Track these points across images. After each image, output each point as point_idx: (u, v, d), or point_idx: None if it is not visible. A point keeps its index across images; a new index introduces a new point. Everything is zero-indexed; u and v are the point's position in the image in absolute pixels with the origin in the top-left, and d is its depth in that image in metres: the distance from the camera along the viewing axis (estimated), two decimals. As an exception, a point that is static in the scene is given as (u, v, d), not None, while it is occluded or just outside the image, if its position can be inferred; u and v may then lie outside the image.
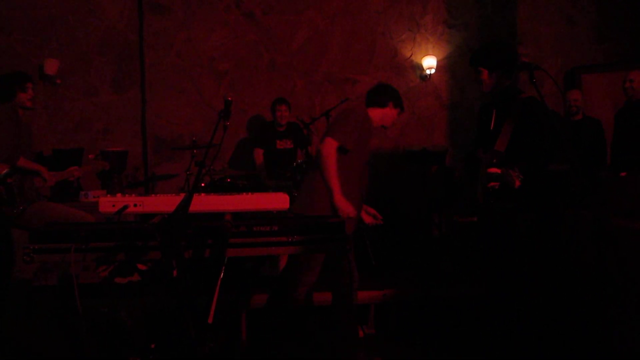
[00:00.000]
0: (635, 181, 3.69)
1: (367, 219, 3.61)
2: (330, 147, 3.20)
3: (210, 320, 2.26)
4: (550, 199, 4.66)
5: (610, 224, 3.43)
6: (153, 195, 2.38)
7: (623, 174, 4.03)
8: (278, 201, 2.44)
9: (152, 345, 3.24)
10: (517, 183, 2.95)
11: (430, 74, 6.53)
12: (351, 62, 6.55)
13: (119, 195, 2.35)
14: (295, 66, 6.46)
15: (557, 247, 4.09)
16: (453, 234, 5.57)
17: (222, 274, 2.31)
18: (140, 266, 3.84)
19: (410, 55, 6.62)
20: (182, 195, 2.26)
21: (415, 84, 6.63)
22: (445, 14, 6.64)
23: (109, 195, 2.33)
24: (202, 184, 4.69)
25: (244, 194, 2.48)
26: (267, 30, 6.39)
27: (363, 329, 4.08)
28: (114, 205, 2.28)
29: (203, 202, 2.35)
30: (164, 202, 2.30)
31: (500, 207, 3.12)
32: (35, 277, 4.09)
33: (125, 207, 2.26)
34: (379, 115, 3.49)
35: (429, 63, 6.47)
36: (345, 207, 3.14)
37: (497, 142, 3.13)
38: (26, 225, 3.72)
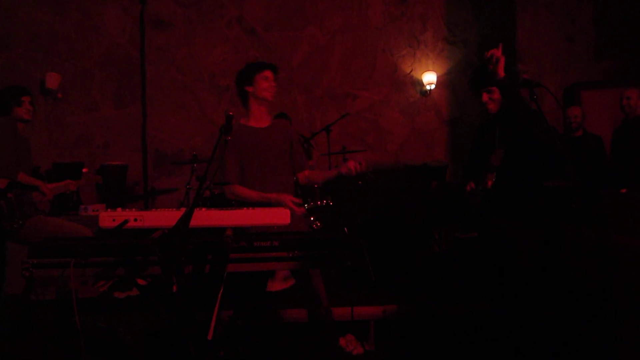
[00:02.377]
0: (636, 198, 3.68)
1: (350, 165, 3.19)
2: (235, 191, 3.21)
3: (209, 337, 2.24)
4: (551, 216, 4.65)
5: (611, 242, 3.42)
6: (153, 209, 2.38)
7: (623, 190, 4.03)
8: (278, 216, 2.43)
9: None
10: (489, 183, 2.98)
11: (430, 89, 6.55)
12: (351, 77, 6.58)
13: (119, 209, 2.34)
14: (295, 82, 6.49)
15: (558, 265, 4.06)
16: (453, 250, 5.55)
17: (222, 290, 2.29)
18: (140, 281, 3.82)
19: (411, 71, 6.65)
20: (183, 209, 2.25)
21: (415, 99, 6.65)
22: (445, 30, 6.68)
23: (109, 210, 2.32)
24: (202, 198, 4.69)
25: (245, 208, 2.47)
26: (268, 46, 6.43)
27: (363, 346, 4.04)
28: (114, 220, 2.27)
29: (203, 217, 2.34)
30: (164, 217, 2.30)
31: (498, 223, 3.10)
32: (25, 291, 4.07)
33: (126, 221, 2.26)
34: (251, 97, 3.33)
35: (429, 79, 6.50)
36: (281, 197, 3.12)
37: (491, 157, 3.17)
38: (24, 239, 3.71)
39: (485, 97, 3.25)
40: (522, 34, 6.69)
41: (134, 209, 2.36)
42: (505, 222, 3.10)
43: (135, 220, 2.28)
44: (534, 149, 3.09)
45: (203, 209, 2.43)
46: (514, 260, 3.11)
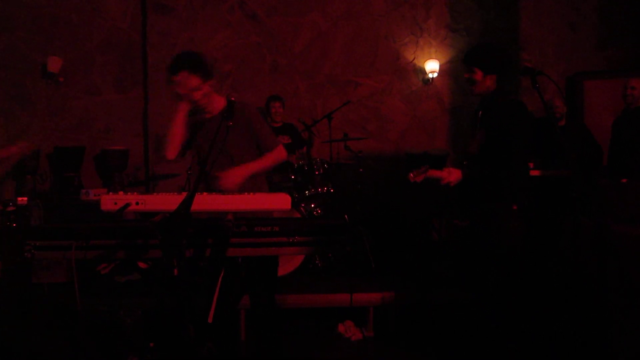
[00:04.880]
0: (635, 187, 3.69)
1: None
2: None
3: (210, 320, 2.26)
4: (550, 205, 4.66)
5: (610, 231, 3.43)
6: (155, 193, 2.38)
7: (624, 180, 4.03)
8: (279, 201, 2.44)
9: (151, 345, 3.25)
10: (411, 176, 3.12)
11: (433, 77, 6.53)
12: (354, 64, 6.55)
13: (120, 193, 2.35)
14: (297, 68, 6.47)
15: (557, 254, 4.08)
16: (452, 238, 5.57)
17: (222, 273, 2.31)
18: (141, 264, 3.84)
19: (413, 59, 6.63)
20: (184, 194, 2.26)
21: (417, 87, 6.63)
22: (448, 18, 6.64)
23: (110, 193, 2.34)
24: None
25: (246, 193, 2.48)
26: (270, 32, 6.40)
27: (362, 332, 4.07)
28: (115, 203, 2.28)
29: (204, 202, 2.35)
30: (165, 201, 2.31)
31: (491, 210, 3.05)
32: (26, 274, 4.07)
33: (127, 205, 2.27)
34: None
35: (432, 67, 6.47)
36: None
37: (472, 145, 3.15)
38: None
39: (465, 75, 3.21)
40: (525, 21, 6.65)
41: (135, 193, 2.37)
42: (494, 207, 3.04)
43: (137, 203, 2.29)
44: (509, 135, 3.00)
45: (204, 193, 2.44)
46: (511, 249, 3.08)
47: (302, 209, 4.71)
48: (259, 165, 3.02)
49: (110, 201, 2.29)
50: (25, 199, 4.08)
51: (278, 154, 3.12)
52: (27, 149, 4.07)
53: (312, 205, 4.96)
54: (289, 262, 4.51)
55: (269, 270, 3.06)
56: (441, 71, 6.54)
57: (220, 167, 2.93)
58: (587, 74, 6.52)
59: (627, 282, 3.25)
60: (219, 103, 3.12)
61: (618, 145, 5.07)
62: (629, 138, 4.93)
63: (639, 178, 4.34)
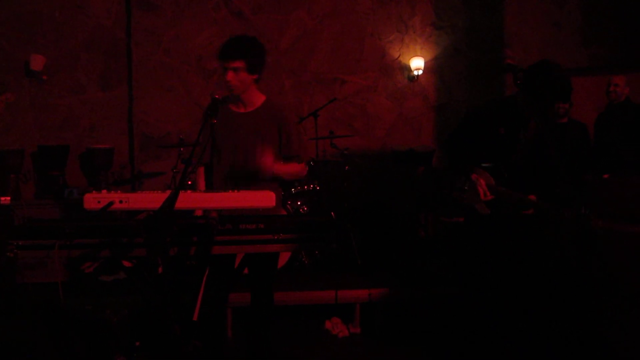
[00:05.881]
0: (617, 183, 3.73)
1: None
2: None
3: (195, 318, 2.26)
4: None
5: (590, 225, 3.47)
6: (139, 191, 2.38)
7: (605, 176, 4.08)
8: (264, 199, 2.45)
9: (137, 343, 3.24)
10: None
11: (418, 75, 6.56)
12: (339, 62, 6.56)
13: (104, 191, 2.34)
14: (283, 66, 6.46)
15: (542, 247, 4.11)
16: (439, 234, 5.60)
17: (207, 272, 2.31)
18: (126, 263, 3.82)
19: (399, 56, 6.65)
20: (168, 192, 2.26)
21: (402, 84, 6.65)
22: (434, 15, 6.67)
23: (94, 192, 2.32)
24: (189, 182, 4.68)
25: (230, 191, 2.48)
26: (255, 29, 6.37)
27: (348, 328, 4.09)
28: (99, 202, 2.27)
29: (189, 199, 2.35)
30: (149, 199, 2.30)
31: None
32: (10, 274, 4.03)
33: (111, 203, 2.26)
34: None
35: (417, 64, 6.50)
36: None
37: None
38: None
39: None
40: (510, 19, 6.69)
41: (119, 191, 2.36)
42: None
43: (121, 202, 2.28)
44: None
45: (189, 191, 2.44)
46: (503, 244, 3.12)
47: (288, 206, 4.72)
48: (283, 170, 2.95)
49: (94, 200, 2.28)
50: (9, 198, 4.05)
51: (302, 170, 3.08)
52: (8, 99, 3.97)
53: (299, 203, 4.97)
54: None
55: (270, 268, 3.03)
56: (426, 68, 6.57)
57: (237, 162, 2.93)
58: (570, 71, 6.55)
59: (608, 274, 3.29)
60: (258, 99, 3.10)
61: (602, 141, 5.13)
62: (613, 134, 4.98)
63: (623, 173, 4.39)
